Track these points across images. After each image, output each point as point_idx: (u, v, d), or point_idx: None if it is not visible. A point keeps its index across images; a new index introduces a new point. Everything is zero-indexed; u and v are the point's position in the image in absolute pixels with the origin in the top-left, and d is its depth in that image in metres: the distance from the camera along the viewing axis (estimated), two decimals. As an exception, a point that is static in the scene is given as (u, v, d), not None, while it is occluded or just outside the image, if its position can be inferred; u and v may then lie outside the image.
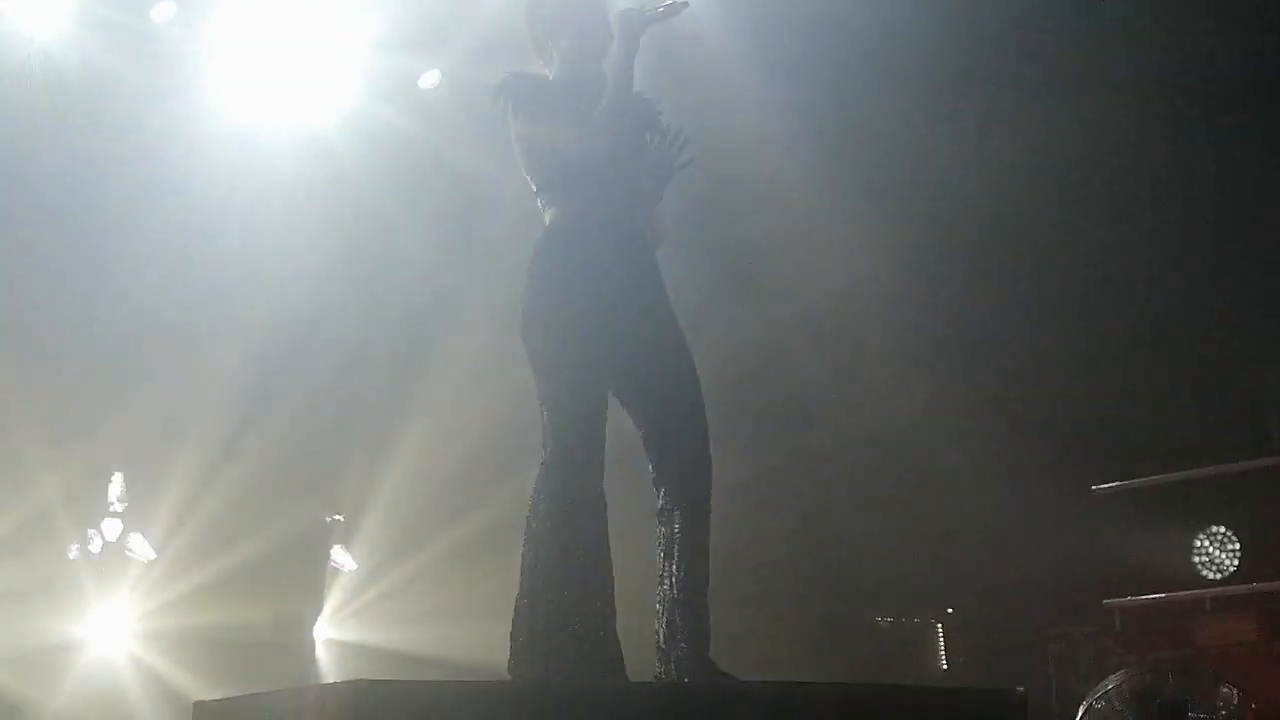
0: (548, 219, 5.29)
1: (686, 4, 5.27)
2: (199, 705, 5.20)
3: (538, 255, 5.22)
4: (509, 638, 4.95)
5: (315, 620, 10.69)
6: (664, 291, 5.34)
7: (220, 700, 5.51)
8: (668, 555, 5.17)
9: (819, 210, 9.70)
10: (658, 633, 5.13)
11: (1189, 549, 8.93)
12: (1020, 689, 6.05)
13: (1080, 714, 7.69)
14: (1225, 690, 7.64)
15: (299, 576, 10.56)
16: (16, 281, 9.24)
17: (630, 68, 5.29)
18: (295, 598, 10.48)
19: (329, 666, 10.47)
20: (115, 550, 9.79)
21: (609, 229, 5.22)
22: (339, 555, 10.96)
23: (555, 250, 5.20)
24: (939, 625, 10.67)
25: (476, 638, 9.13)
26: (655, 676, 5.09)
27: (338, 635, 10.74)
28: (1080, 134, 9.09)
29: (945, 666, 10.49)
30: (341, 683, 4.83)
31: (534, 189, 5.35)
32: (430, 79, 9.52)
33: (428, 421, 10.55)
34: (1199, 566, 8.90)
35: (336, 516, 10.99)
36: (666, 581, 5.15)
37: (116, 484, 9.88)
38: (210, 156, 9.28)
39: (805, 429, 10.75)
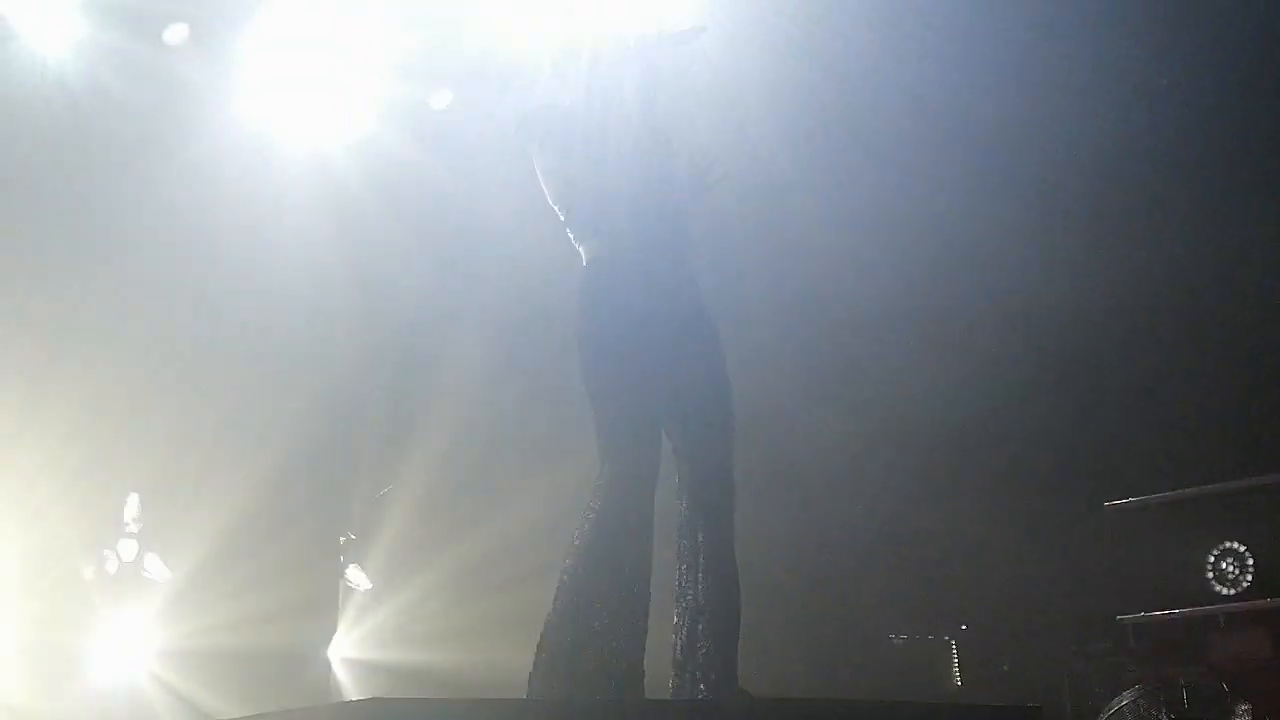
0: (585, 252, 5.32)
1: (705, 29, 5.32)
2: (217, 725, 5.22)
3: (585, 290, 5.26)
4: (535, 650, 4.95)
5: (330, 639, 10.71)
6: (704, 312, 5.39)
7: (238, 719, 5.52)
8: (691, 566, 5.18)
9: (822, 222, 9.74)
10: (675, 646, 5.13)
11: (1203, 565, 8.90)
12: (1035, 705, 6.04)
13: (1095, 730, 7.68)
14: (1240, 707, 7.62)
15: (314, 596, 10.58)
16: (30, 302, 9.28)
17: (652, 91, 5.32)
18: (310, 617, 10.50)
19: (344, 685, 10.48)
20: (131, 570, 9.83)
21: (647, 257, 5.25)
22: (353, 574, 10.99)
23: (601, 285, 5.23)
24: (953, 642, 10.64)
25: (490, 654, 9.18)
26: (671, 690, 5.09)
27: (353, 654, 10.76)
28: (1094, 137, 9.10)
29: (960, 684, 10.46)
30: (357, 700, 4.85)
31: (562, 219, 5.38)
32: (442, 100, 9.53)
33: (435, 441, 10.58)
34: (1213, 582, 8.86)
35: (350, 536, 11.02)
36: (689, 593, 5.16)
37: (132, 505, 9.91)
38: (219, 177, 9.34)
39: (816, 444, 10.74)
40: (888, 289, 10.06)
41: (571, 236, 5.40)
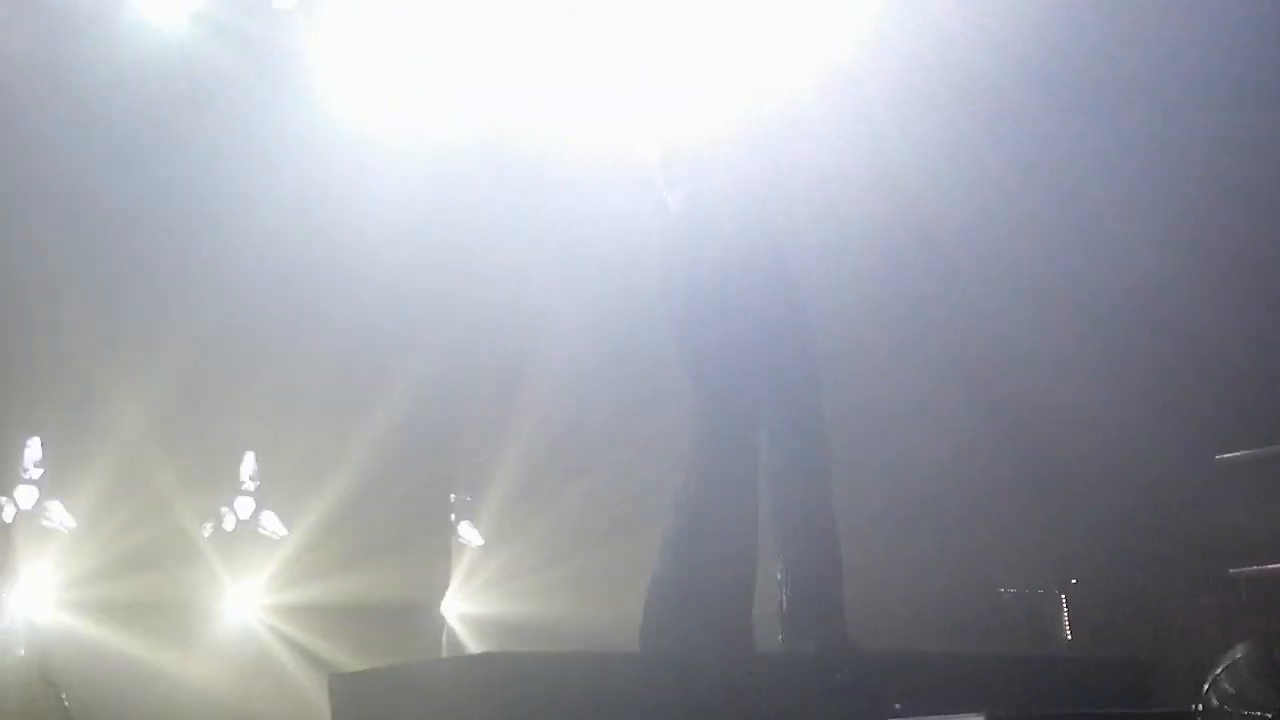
0: (675, 205, 5.30)
1: None
2: (334, 678, 5.30)
3: (671, 240, 5.24)
4: (644, 607, 4.98)
5: (444, 594, 10.86)
6: (790, 262, 5.35)
7: (356, 673, 5.65)
8: (790, 521, 5.18)
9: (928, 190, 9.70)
10: (780, 600, 5.15)
11: (1316, 517, 8.80)
12: (1143, 659, 6.03)
13: (1206, 684, 7.63)
14: (1356, 658, 7.54)
15: (427, 552, 10.72)
16: (139, 267, 9.45)
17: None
18: (424, 572, 10.64)
19: (459, 639, 10.62)
20: (248, 527, 10.02)
21: (739, 213, 5.23)
22: (466, 531, 11.12)
23: (691, 235, 5.21)
24: (1063, 596, 10.58)
25: (601, 607, 9.26)
26: (781, 644, 5.12)
27: (466, 609, 10.90)
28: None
29: (1070, 636, 10.41)
30: (475, 655, 4.95)
31: (657, 162, 5.36)
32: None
33: (541, 400, 10.66)
34: (1326, 535, 8.76)
35: (461, 495, 11.16)
36: (790, 548, 5.16)
37: (248, 463, 10.10)
38: (328, 144, 9.49)
39: (923, 396, 10.70)
40: (1001, 252, 10.02)
41: (662, 184, 5.37)
